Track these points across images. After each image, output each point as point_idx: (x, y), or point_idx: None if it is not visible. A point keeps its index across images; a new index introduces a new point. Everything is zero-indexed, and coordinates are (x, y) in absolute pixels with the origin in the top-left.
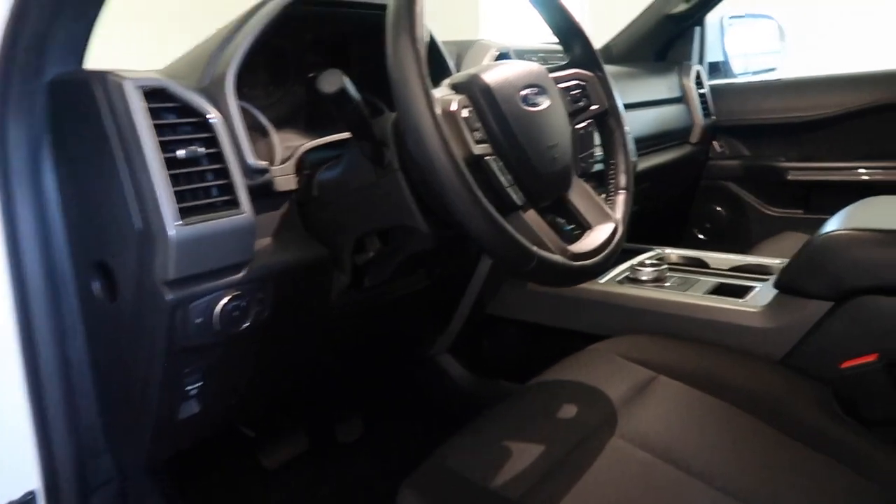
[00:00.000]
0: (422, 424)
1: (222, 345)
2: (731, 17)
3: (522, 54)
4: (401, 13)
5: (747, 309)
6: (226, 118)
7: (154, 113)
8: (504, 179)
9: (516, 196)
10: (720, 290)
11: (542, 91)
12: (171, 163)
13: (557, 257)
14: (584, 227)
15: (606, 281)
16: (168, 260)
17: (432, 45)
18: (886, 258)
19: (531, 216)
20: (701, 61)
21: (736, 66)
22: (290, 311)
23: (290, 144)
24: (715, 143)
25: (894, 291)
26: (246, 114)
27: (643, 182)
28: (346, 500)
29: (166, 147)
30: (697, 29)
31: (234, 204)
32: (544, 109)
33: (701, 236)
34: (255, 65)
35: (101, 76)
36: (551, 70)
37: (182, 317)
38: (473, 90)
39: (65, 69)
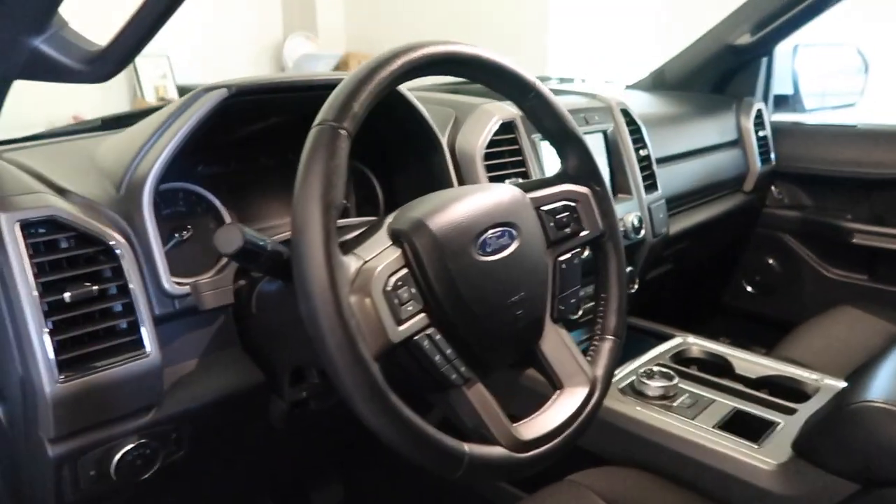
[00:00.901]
0: (410, 485)
1: (126, 492)
2: (805, 46)
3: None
4: (311, 169)
5: (759, 465)
6: (140, 237)
7: (46, 247)
8: (439, 357)
9: (456, 373)
10: (734, 422)
11: (509, 230)
12: (56, 307)
13: (497, 451)
14: (554, 386)
15: None
16: (47, 417)
17: (414, 116)
18: None
19: (476, 393)
20: (766, 95)
21: (810, 104)
22: (219, 443)
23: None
24: (773, 189)
25: None
26: (189, 197)
27: (679, 243)
28: None
29: (54, 288)
30: (764, 59)
31: (137, 345)
32: (509, 255)
33: (749, 289)
34: (215, 142)
35: None
36: (535, 187)
37: (70, 471)
38: (414, 245)
39: None
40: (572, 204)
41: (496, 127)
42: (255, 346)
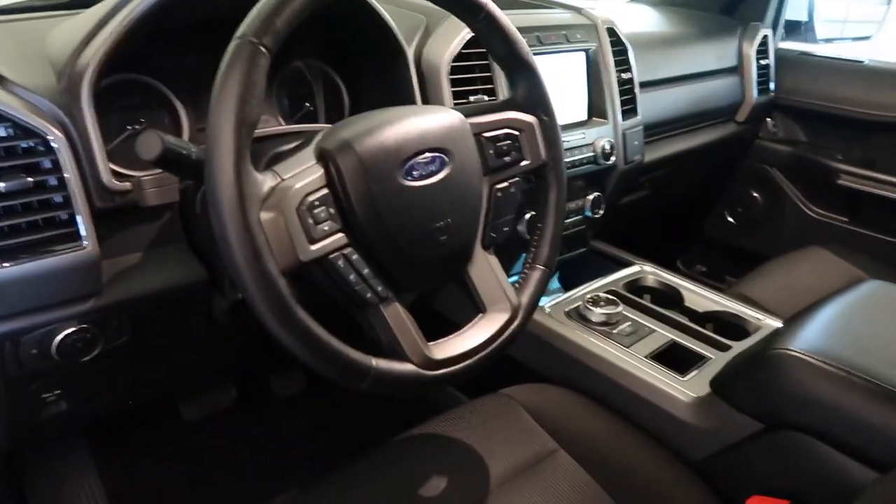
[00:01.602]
0: None
1: (70, 369)
2: None
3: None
4: (229, 82)
5: (678, 396)
6: (80, 131)
7: None
8: (354, 276)
9: (372, 292)
10: (667, 355)
11: (440, 157)
12: None
13: (405, 367)
14: (479, 309)
15: (552, 307)
16: None
17: (378, 23)
18: (832, 400)
19: (392, 312)
20: (776, 21)
21: (826, 31)
22: (162, 331)
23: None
24: (768, 121)
25: (826, 437)
26: (144, 89)
27: (657, 170)
28: (275, 458)
29: None
30: None
31: (74, 237)
32: (438, 181)
33: (731, 219)
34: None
35: None
36: (478, 112)
37: (12, 349)
38: (338, 165)
39: None
40: (515, 133)
41: (466, 40)
42: (200, 244)
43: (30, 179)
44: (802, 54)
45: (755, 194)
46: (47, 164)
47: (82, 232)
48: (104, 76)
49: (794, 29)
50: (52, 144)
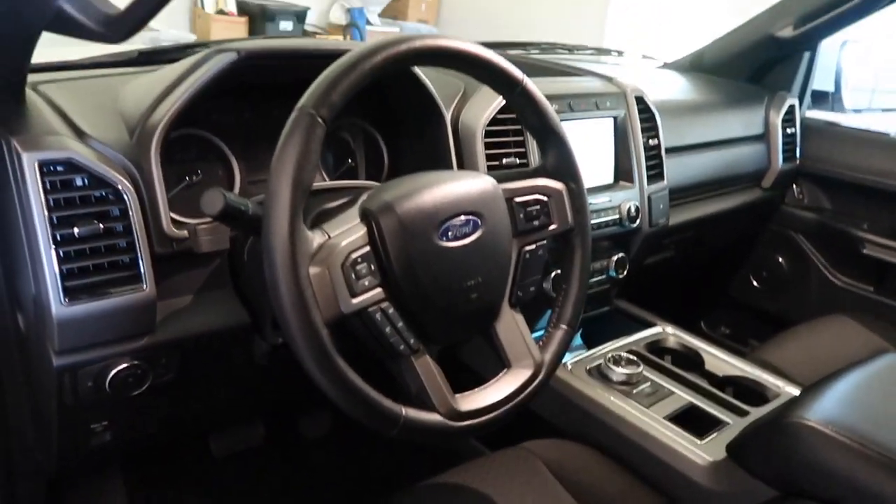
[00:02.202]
0: None
1: (119, 402)
2: (855, 42)
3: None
4: (288, 149)
5: (696, 460)
6: (147, 182)
7: (62, 184)
8: (389, 329)
9: (405, 344)
10: (686, 417)
11: (474, 219)
12: (67, 239)
13: (432, 417)
14: (504, 364)
15: (574, 364)
16: (53, 332)
17: (420, 90)
18: (847, 472)
19: (423, 363)
20: (803, 91)
21: (855, 101)
22: (205, 370)
23: (259, 177)
24: (794, 188)
25: None
26: (202, 143)
27: (682, 233)
28: (300, 498)
29: (65, 222)
30: (807, 53)
31: (135, 279)
32: (471, 242)
33: (756, 284)
34: (232, 91)
35: (8, 140)
36: (511, 178)
37: (70, 380)
38: (380, 225)
39: None
40: (544, 198)
41: (500, 106)
42: (245, 290)
43: (101, 226)
44: (829, 124)
45: (780, 259)
46: (116, 211)
47: (143, 275)
48: (170, 132)
49: (822, 98)
50: (123, 194)
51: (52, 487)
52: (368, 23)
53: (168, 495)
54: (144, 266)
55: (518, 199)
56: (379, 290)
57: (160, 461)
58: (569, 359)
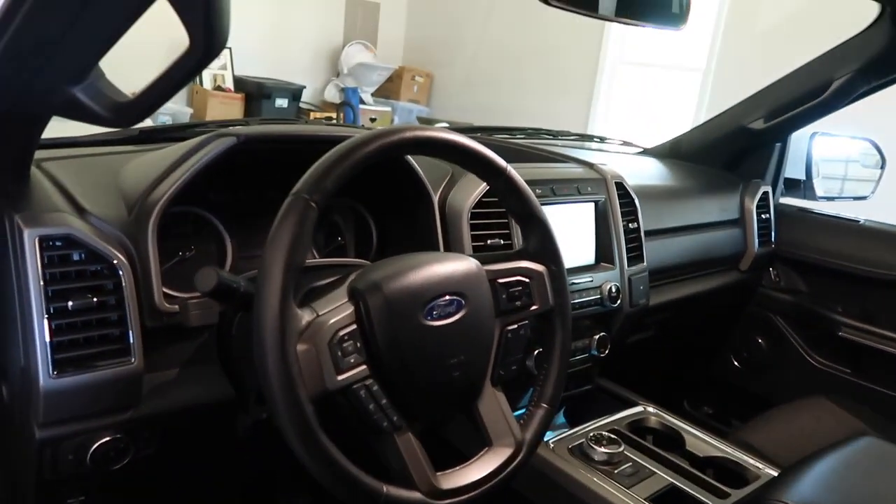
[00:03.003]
0: None
1: (98, 476)
2: (822, 135)
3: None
4: (282, 232)
5: None
6: (141, 257)
7: (59, 259)
8: (373, 406)
9: (388, 421)
10: (666, 498)
11: (458, 300)
12: (60, 312)
13: (413, 495)
14: (485, 442)
15: (556, 443)
16: (38, 404)
17: (410, 175)
18: None
19: (405, 441)
20: (776, 179)
21: (827, 189)
22: (187, 444)
23: (250, 254)
24: (771, 270)
25: None
26: (196, 219)
27: (662, 313)
28: None
29: (60, 295)
30: (778, 144)
31: (124, 353)
32: (454, 322)
33: (737, 363)
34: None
35: (11, 217)
36: (494, 261)
37: (51, 454)
38: (367, 304)
39: None
40: (526, 280)
41: (486, 189)
42: (231, 364)
43: (94, 299)
44: (801, 210)
45: (760, 340)
46: (110, 285)
47: (132, 348)
48: (167, 208)
49: (795, 186)
50: (118, 270)
51: None
52: (362, 102)
53: None
54: (134, 339)
55: (501, 281)
56: (364, 367)
57: None
58: (551, 437)
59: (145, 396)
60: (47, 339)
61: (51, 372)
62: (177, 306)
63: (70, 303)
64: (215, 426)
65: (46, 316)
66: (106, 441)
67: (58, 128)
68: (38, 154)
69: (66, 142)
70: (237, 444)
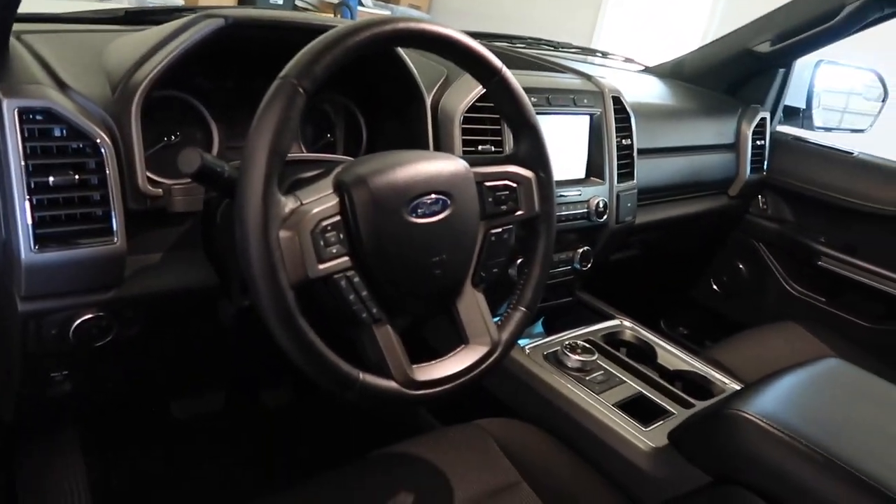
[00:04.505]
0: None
1: (82, 353)
2: (827, 63)
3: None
4: (268, 115)
5: (638, 445)
6: (125, 138)
7: (40, 133)
8: (353, 297)
9: (367, 313)
10: (633, 405)
11: (443, 199)
12: (41, 188)
13: (388, 384)
14: (462, 340)
15: (532, 349)
16: (20, 278)
17: (402, 72)
18: (777, 462)
19: (383, 333)
20: (776, 105)
21: (825, 120)
22: (170, 328)
23: (237, 144)
24: (759, 198)
25: (768, 496)
26: (182, 105)
27: (647, 232)
28: (257, 463)
29: (41, 170)
30: (781, 70)
31: (107, 232)
32: (439, 220)
33: (716, 287)
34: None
35: None
36: (483, 163)
37: (35, 327)
38: (352, 197)
39: None
40: (514, 185)
41: (480, 94)
42: (215, 252)
43: (76, 176)
44: (797, 139)
45: (741, 266)
46: (92, 164)
47: (114, 228)
48: (152, 91)
49: (794, 114)
50: (101, 148)
51: (9, 440)
52: (361, 3)
53: (123, 456)
54: (117, 220)
55: (488, 184)
56: (346, 258)
57: (118, 422)
58: (527, 343)
59: (128, 278)
60: (28, 213)
61: (32, 246)
62: (160, 190)
63: (51, 178)
64: (198, 312)
65: (27, 190)
66: (88, 318)
67: (39, 4)
68: (18, 27)
69: (49, 17)
70: (220, 333)
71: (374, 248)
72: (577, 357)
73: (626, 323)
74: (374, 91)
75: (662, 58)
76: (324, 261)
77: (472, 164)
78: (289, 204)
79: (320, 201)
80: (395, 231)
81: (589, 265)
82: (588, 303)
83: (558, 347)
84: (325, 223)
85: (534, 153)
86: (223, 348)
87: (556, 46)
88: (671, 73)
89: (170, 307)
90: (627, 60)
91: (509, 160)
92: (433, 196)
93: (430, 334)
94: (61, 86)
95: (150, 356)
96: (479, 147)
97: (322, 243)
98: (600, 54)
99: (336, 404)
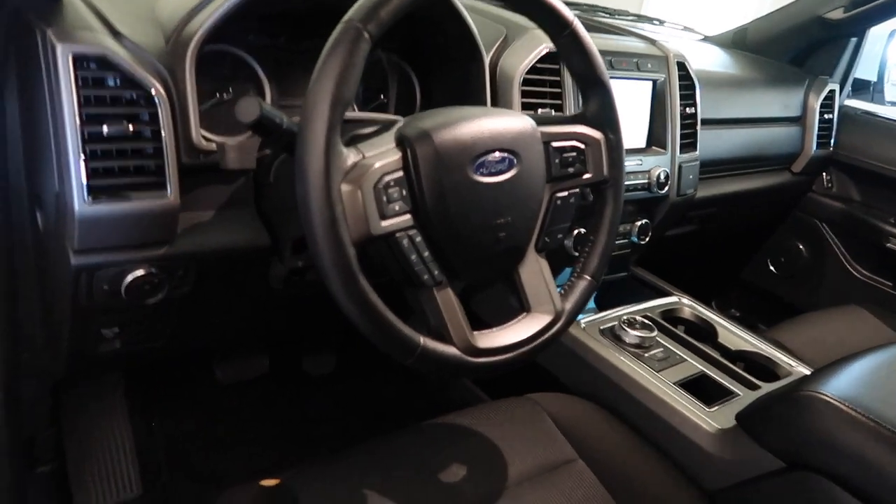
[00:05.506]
0: (396, 367)
1: (132, 310)
2: None
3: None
4: (331, 61)
5: (703, 426)
6: (179, 90)
7: (94, 81)
8: (415, 257)
9: (428, 274)
10: (695, 385)
11: (510, 157)
12: (95, 138)
13: (449, 350)
14: (524, 308)
15: (588, 323)
16: (73, 231)
17: (461, 27)
18: (857, 448)
19: (444, 296)
20: (845, 78)
21: (893, 94)
22: (221, 288)
23: (290, 103)
24: (824, 175)
25: (846, 483)
26: (235, 62)
27: (707, 207)
28: (299, 430)
29: (95, 120)
30: (853, 39)
31: (160, 186)
32: (504, 180)
33: (772, 268)
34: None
35: (43, 31)
36: (550, 122)
37: (87, 281)
38: (415, 152)
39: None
40: (582, 146)
41: (542, 54)
42: (267, 211)
43: (130, 127)
44: (866, 113)
45: (801, 246)
46: (146, 116)
47: (167, 182)
48: (205, 45)
49: (863, 88)
50: (155, 98)
51: (56, 389)
52: None
53: (166, 415)
54: (170, 174)
55: (555, 144)
56: (408, 216)
57: (163, 381)
58: (582, 318)
59: (180, 235)
60: (82, 163)
61: (85, 197)
62: (214, 145)
63: (105, 128)
64: (249, 272)
65: (81, 139)
66: (140, 275)
67: None
68: None
69: None
70: (270, 294)
71: (437, 207)
72: (635, 333)
73: (685, 300)
74: (429, 51)
75: (717, 30)
76: (386, 217)
77: (539, 122)
78: (351, 156)
79: (383, 155)
80: (459, 189)
81: (647, 239)
82: (643, 278)
83: (615, 323)
84: (387, 178)
85: (604, 113)
86: (271, 310)
87: (612, 14)
88: (733, 42)
89: (221, 266)
90: (686, 29)
91: (577, 120)
92: (498, 154)
93: (480, 307)
94: (115, 34)
95: (199, 316)
96: (538, 111)
97: (385, 199)
98: (657, 22)
99: (376, 376)
